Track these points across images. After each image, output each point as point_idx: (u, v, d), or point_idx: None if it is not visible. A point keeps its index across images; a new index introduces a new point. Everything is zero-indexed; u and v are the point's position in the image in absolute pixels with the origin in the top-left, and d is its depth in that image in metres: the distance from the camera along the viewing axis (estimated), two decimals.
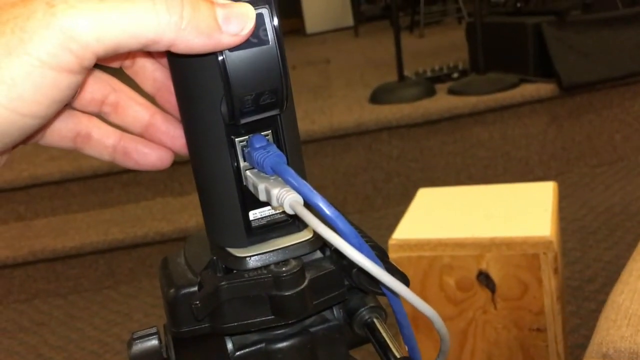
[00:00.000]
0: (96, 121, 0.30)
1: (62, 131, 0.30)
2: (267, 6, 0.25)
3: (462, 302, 0.98)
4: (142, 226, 1.99)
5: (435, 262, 0.97)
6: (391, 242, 1.00)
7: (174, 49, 0.24)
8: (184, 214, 2.02)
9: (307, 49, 4.14)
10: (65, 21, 0.22)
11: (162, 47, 0.24)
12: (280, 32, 0.26)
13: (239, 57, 0.25)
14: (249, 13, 0.24)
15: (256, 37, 0.25)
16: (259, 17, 0.25)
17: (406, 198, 1.38)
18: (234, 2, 0.25)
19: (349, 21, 4.56)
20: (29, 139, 0.28)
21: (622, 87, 2.22)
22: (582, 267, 1.64)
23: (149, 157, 0.31)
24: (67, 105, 0.29)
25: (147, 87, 0.30)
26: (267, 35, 0.25)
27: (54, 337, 1.77)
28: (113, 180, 2.15)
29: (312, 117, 2.24)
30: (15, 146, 0.26)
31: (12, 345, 1.78)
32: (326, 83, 3.00)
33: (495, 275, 0.95)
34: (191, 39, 0.23)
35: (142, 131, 0.31)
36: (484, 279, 0.95)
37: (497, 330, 0.98)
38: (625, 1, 2.42)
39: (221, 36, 0.24)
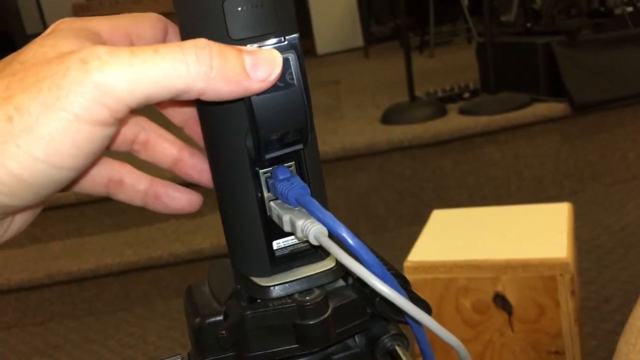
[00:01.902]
0: (128, 167, 0.31)
1: (96, 178, 0.30)
2: (293, 51, 0.26)
3: (478, 325, 0.98)
4: (157, 248, 2.00)
5: (451, 285, 0.97)
6: (406, 264, 1.00)
7: (204, 98, 0.25)
8: (198, 235, 2.03)
9: (318, 69, 4.17)
10: (99, 77, 0.22)
11: (192, 97, 0.24)
12: (305, 75, 0.27)
13: (266, 100, 0.26)
14: (277, 59, 0.25)
15: (283, 81, 0.26)
16: (286, 62, 0.26)
17: (419, 218, 1.38)
18: (261, 49, 0.25)
19: (359, 42, 4.59)
20: (65, 189, 0.29)
21: (635, 105, 2.22)
22: (598, 287, 1.62)
23: (179, 200, 0.32)
24: None
25: (176, 119, 0.31)
26: (293, 78, 0.26)
27: None
28: (127, 203, 2.16)
29: (323, 137, 2.25)
30: (51, 196, 0.27)
31: None
32: (337, 104, 3.02)
33: (511, 297, 0.94)
34: (220, 87, 0.24)
35: (171, 166, 0.32)
36: (501, 301, 0.95)
37: (515, 353, 0.97)
38: (636, 20, 2.42)
39: (249, 83, 0.25)
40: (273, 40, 0.26)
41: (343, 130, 2.37)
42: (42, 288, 1.98)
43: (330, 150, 2.13)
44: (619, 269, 1.69)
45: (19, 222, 0.29)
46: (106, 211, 2.17)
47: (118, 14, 0.29)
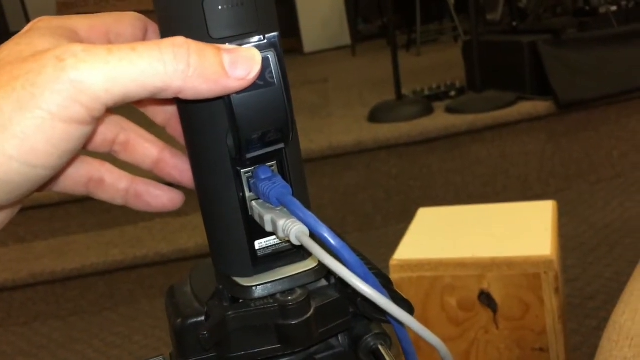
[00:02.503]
0: (108, 166, 0.31)
1: (75, 177, 0.30)
2: (273, 49, 0.26)
3: (464, 323, 0.98)
4: (142, 247, 1.98)
5: (437, 283, 0.97)
6: (392, 262, 1.00)
7: (182, 96, 0.24)
8: (184, 234, 2.02)
9: (305, 68, 4.16)
10: (75, 75, 0.22)
11: (170, 95, 0.24)
12: (285, 74, 0.26)
13: (246, 98, 0.26)
14: (256, 57, 0.25)
15: (262, 79, 0.26)
16: (265, 60, 0.26)
17: (406, 216, 1.39)
18: (241, 47, 0.25)
19: (347, 40, 4.59)
20: (43, 188, 0.28)
21: (619, 104, 2.24)
22: (583, 284, 1.64)
23: (160, 198, 0.31)
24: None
25: (158, 119, 0.31)
26: (273, 77, 0.26)
27: None
28: (108, 202, 2.14)
29: (310, 136, 2.25)
30: (28, 195, 0.26)
31: None
32: (324, 102, 3.02)
33: (496, 295, 0.95)
34: (198, 85, 0.24)
35: (152, 167, 0.31)
36: (486, 298, 0.95)
37: (500, 351, 0.98)
38: (620, 19, 2.44)
39: (228, 81, 0.24)
40: (253, 39, 0.26)
41: (330, 128, 2.37)
42: (26, 288, 1.96)
43: (317, 149, 2.13)
44: (604, 266, 1.71)
45: None
46: (91, 210, 2.15)
47: (103, 11, 0.29)
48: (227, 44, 0.26)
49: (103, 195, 0.31)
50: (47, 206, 2.11)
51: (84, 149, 0.28)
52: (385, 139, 2.15)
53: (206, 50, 0.24)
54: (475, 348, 0.98)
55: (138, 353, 1.70)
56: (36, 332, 1.93)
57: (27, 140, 0.22)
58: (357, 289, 0.25)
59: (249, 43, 0.26)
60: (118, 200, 0.32)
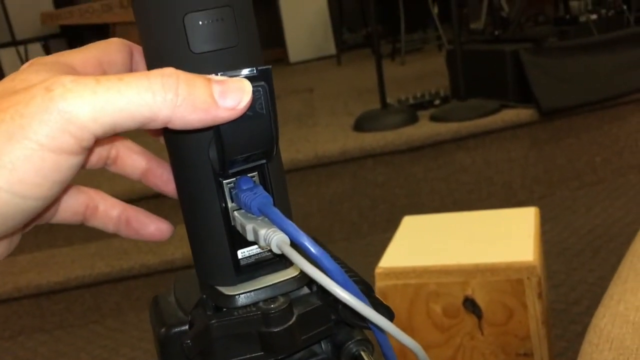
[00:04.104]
0: (102, 194, 0.32)
1: (74, 207, 0.31)
2: (264, 82, 0.26)
3: (449, 329, 0.99)
4: (128, 259, 1.97)
5: (422, 290, 0.98)
6: (377, 270, 1.01)
7: (171, 126, 0.24)
8: (170, 245, 2.01)
9: (291, 78, 4.18)
10: (63, 105, 0.22)
11: (159, 125, 0.24)
12: (275, 106, 0.27)
13: (234, 127, 0.26)
14: (246, 87, 0.25)
15: (252, 110, 0.26)
16: (256, 92, 0.26)
17: (392, 224, 1.40)
18: (231, 78, 0.25)
19: (332, 50, 4.61)
20: (37, 220, 0.29)
21: (600, 110, 2.27)
22: (567, 289, 1.65)
23: (148, 227, 0.32)
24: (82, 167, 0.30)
25: (152, 132, 0.32)
26: (262, 108, 0.26)
27: None
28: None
29: (296, 145, 2.26)
30: (25, 227, 0.26)
31: None
32: (310, 111, 3.03)
33: (481, 301, 0.96)
34: (187, 114, 0.24)
35: (141, 177, 0.32)
36: (470, 305, 0.96)
37: (485, 356, 0.99)
38: (601, 28, 2.48)
39: (218, 111, 0.24)
40: (245, 71, 0.26)
41: (316, 137, 2.37)
42: (11, 302, 1.94)
43: (303, 158, 2.14)
44: (587, 271, 1.73)
45: None
46: None
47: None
48: (218, 74, 0.26)
49: (96, 222, 0.32)
50: None
51: (82, 168, 0.28)
52: (370, 147, 2.16)
53: (195, 80, 0.24)
54: (461, 354, 0.99)
55: None
56: (22, 346, 1.91)
57: (16, 171, 0.22)
58: (337, 295, 0.26)
59: (241, 75, 0.26)
60: (110, 227, 0.32)
